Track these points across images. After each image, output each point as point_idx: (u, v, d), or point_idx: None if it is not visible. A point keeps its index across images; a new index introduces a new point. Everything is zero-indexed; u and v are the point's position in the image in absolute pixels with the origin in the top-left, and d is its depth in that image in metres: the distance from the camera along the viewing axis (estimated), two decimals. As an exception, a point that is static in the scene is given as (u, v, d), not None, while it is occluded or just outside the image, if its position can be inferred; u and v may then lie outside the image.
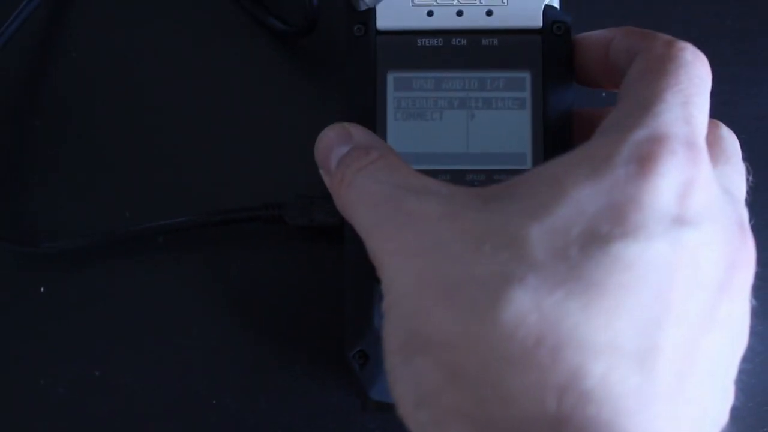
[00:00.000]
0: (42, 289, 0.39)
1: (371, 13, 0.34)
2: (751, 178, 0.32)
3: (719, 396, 0.26)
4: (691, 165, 0.25)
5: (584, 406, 0.22)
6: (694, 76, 0.28)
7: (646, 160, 0.25)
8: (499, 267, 0.24)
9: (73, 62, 0.42)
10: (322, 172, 0.32)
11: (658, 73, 0.28)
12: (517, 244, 0.24)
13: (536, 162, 0.33)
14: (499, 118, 0.34)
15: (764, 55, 0.41)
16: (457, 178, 0.33)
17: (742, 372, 0.37)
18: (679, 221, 0.24)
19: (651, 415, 0.23)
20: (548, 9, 0.34)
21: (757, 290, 0.38)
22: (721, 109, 0.40)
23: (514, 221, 0.25)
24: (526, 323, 0.23)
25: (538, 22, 0.34)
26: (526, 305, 0.23)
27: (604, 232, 0.24)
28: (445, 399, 0.24)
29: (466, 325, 0.24)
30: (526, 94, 0.34)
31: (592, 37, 0.33)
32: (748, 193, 0.31)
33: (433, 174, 0.33)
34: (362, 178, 0.29)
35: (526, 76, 0.34)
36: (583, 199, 0.24)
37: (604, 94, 0.39)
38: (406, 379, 0.25)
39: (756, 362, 0.38)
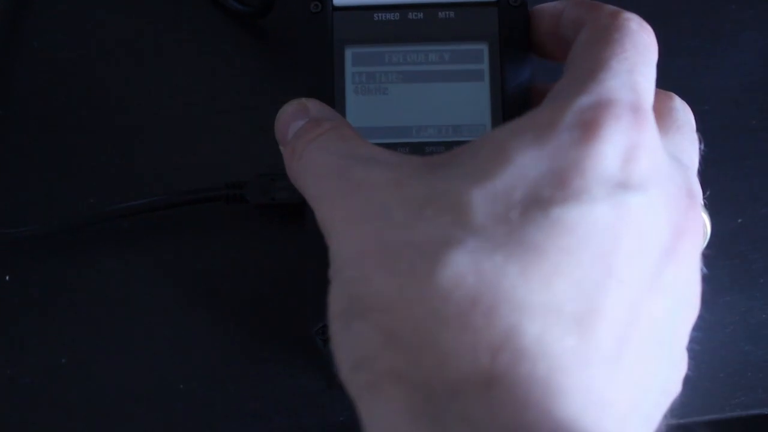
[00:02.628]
0: (7, 278, 0.39)
1: (328, -11, 0.35)
2: (702, 147, 0.32)
3: (666, 363, 0.26)
4: (635, 130, 0.25)
5: (518, 364, 0.22)
6: (639, 44, 0.28)
7: (589, 125, 0.25)
8: (439, 231, 0.24)
9: (34, 50, 0.42)
10: (280, 146, 0.32)
11: (604, 41, 0.28)
12: (458, 208, 0.24)
13: (496, 133, 0.33)
14: (458, 91, 0.34)
15: (724, 29, 0.41)
16: (417, 150, 0.33)
17: (711, 341, 0.38)
18: (623, 185, 0.24)
19: (589, 374, 0.23)
20: (504, -19, 0.34)
21: (723, 259, 0.39)
22: (681, 82, 0.40)
23: (456, 186, 0.25)
24: (463, 285, 0.23)
25: None
26: (464, 268, 0.23)
27: (546, 196, 0.24)
28: (380, 362, 0.24)
29: (403, 288, 0.24)
30: (484, 66, 0.34)
31: (545, 9, 0.33)
32: (700, 163, 0.31)
33: (393, 147, 0.33)
34: (312, 149, 0.29)
35: (483, 47, 0.34)
36: (526, 164, 0.24)
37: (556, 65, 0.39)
38: (345, 344, 0.26)
39: (726, 332, 0.38)
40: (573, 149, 0.24)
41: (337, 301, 0.26)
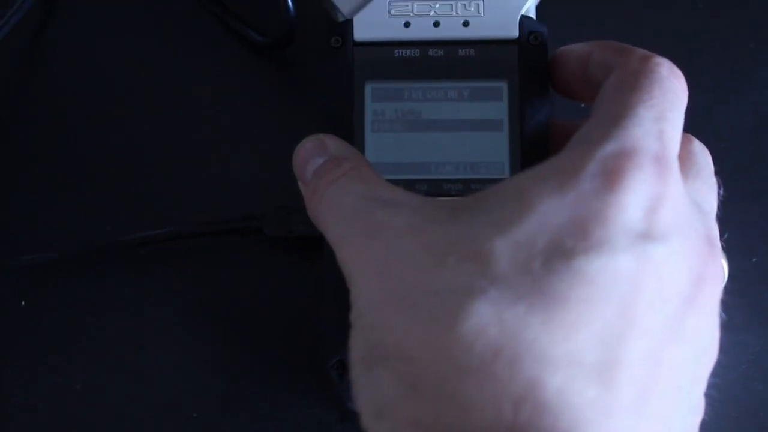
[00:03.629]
0: (23, 303, 0.39)
1: (349, 24, 0.35)
2: (722, 192, 0.32)
3: (685, 410, 0.26)
4: (659, 180, 0.25)
5: (540, 417, 0.22)
6: (668, 91, 0.28)
7: (612, 174, 0.25)
8: (462, 279, 0.24)
9: (54, 76, 0.42)
10: (299, 183, 0.32)
11: (632, 87, 0.28)
12: (481, 256, 0.24)
13: (514, 171, 0.33)
14: (477, 128, 0.34)
15: (741, 65, 0.41)
16: (435, 187, 0.33)
17: (724, 381, 0.38)
18: (645, 236, 0.24)
19: (611, 426, 0.23)
20: (524, 19, 0.35)
21: (737, 298, 0.39)
22: (698, 119, 0.40)
23: (479, 233, 0.25)
24: (485, 335, 0.23)
25: (515, 32, 0.34)
26: (487, 318, 0.23)
27: (568, 246, 0.24)
28: (403, 411, 0.24)
29: (426, 336, 0.24)
30: (504, 104, 0.34)
31: (572, 50, 0.33)
32: (719, 207, 0.31)
33: (411, 183, 0.33)
34: (333, 190, 0.29)
35: (503, 85, 0.34)
36: (549, 212, 0.24)
37: (583, 105, 0.39)
38: (367, 390, 0.26)
39: (739, 372, 0.38)
40: (595, 198, 0.24)
41: (359, 346, 0.26)
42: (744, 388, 0.38)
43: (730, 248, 0.35)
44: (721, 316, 0.28)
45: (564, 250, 0.24)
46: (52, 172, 0.41)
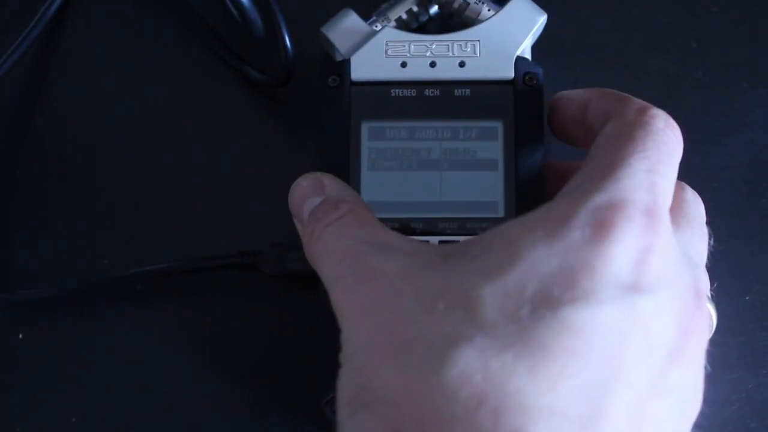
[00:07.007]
0: (20, 336, 0.39)
1: (346, 64, 0.35)
2: (712, 242, 0.32)
3: None
4: (648, 233, 0.25)
5: None
6: (663, 143, 0.28)
7: (602, 225, 0.25)
8: (449, 326, 0.24)
9: (54, 111, 0.42)
10: (295, 220, 0.33)
11: (627, 138, 0.28)
12: (469, 303, 0.24)
13: (508, 210, 0.34)
14: (472, 167, 0.34)
15: (734, 106, 0.41)
16: (430, 226, 0.34)
17: (717, 418, 0.38)
18: (633, 288, 0.25)
19: None
20: (520, 60, 0.35)
21: (730, 336, 0.39)
22: (691, 159, 0.40)
23: (469, 280, 0.25)
24: (470, 383, 0.23)
25: (510, 73, 0.35)
26: (472, 365, 0.23)
27: (556, 295, 0.24)
28: None
29: (411, 383, 0.24)
30: (498, 144, 0.34)
31: (571, 96, 0.34)
32: (708, 257, 0.32)
33: (406, 222, 0.34)
34: (330, 233, 0.30)
35: (498, 125, 0.35)
36: (538, 261, 0.25)
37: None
38: None
39: (732, 410, 0.38)
40: (584, 249, 0.25)
41: (345, 388, 0.26)
42: (737, 426, 0.38)
43: (723, 287, 0.36)
44: (706, 368, 0.28)
45: (552, 299, 0.24)
46: (50, 207, 0.41)
